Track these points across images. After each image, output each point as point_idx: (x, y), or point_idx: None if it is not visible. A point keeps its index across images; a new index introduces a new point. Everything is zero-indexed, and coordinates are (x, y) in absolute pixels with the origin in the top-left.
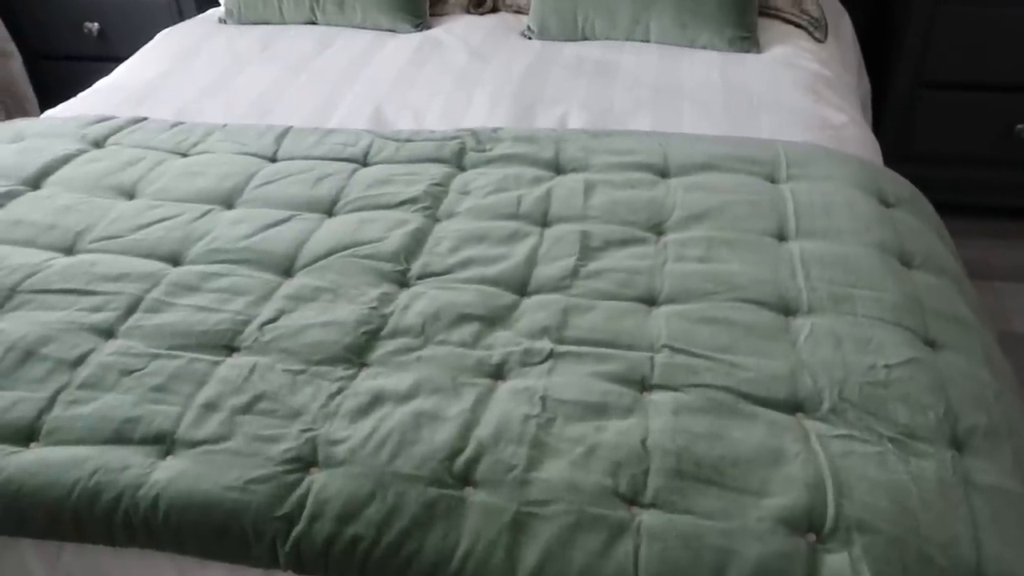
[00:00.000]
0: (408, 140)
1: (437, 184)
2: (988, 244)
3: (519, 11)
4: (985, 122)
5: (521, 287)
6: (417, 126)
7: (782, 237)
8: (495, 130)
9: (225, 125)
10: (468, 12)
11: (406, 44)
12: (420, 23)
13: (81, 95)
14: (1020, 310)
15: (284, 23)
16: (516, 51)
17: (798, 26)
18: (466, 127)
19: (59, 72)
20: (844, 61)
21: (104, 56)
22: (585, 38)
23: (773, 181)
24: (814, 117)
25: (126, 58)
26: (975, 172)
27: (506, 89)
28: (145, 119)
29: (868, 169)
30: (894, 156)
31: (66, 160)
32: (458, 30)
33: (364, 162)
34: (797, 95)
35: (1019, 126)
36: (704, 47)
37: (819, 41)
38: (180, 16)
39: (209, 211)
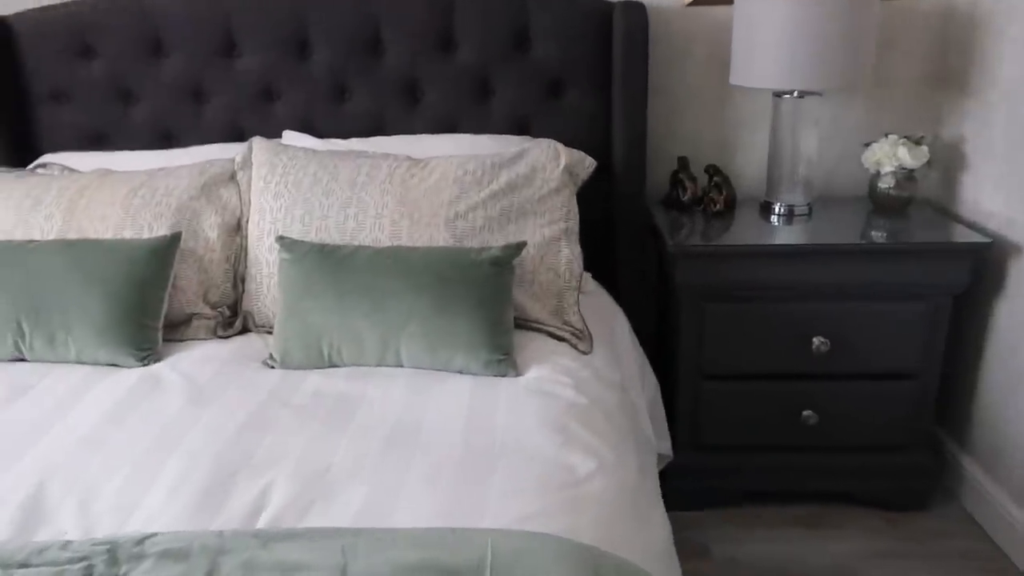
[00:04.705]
0: (23, 566)
1: None
2: (802, 534)
3: (270, 331)
4: (774, 410)
5: None
6: (78, 517)
7: None
8: (142, 540)
9: None
10: (216, 335)
11: (116, 387)
12: (148, 355)
13: None
14: None
15: None
16: (248, 387)
17: (560, 339)
18: (106, 538)
19: None
20: (611, 371)
21: None
22: (333, 365)
23: None
24: (557, 468)
25: None
26: (772, 459)
27: (210, 450)
28: None
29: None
30: (690, 446)
31: None
32: (188, 362)
33: None
34: (543, 437)
35: (805, 412)
36: (460, 371)
37: (584, 353)
38: None
39: None
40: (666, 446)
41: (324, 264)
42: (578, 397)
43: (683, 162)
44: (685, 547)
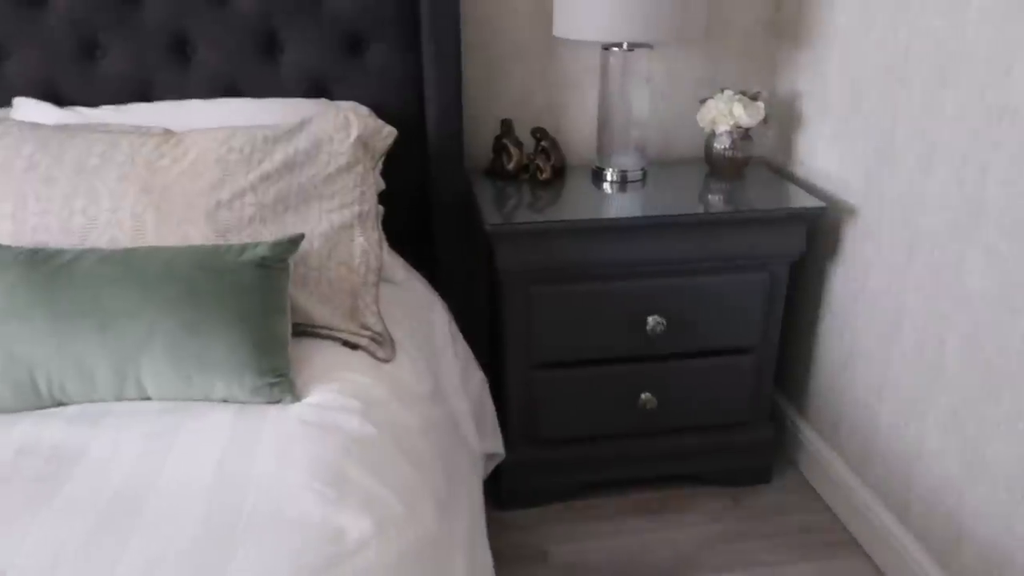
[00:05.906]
0: None
1: None
2: (644, 525)
3: None
4: (611, 396)
5: None
6: None
7: None
8: None
9: None
10: None
11: None
12: None
13: None
14: None
15: None
16: None
17: (355, 347)
18: None
19: None
20: (417, 381)
21: None
22: (60, 404)
23: None
24: (320, 538)
25: None
26: (613, 447)
27: None
28: None
29: None
30: (524, 441)
31: None
32: None
33: None
34: (310, 493)
35: (643, 395)
36: (225, 400)
37: (384, 361)
38: None
39: None
40: (496, 445)
41: (34, 276)
42: (364, 427)
43: (507, 126)
44: (521, 552)
